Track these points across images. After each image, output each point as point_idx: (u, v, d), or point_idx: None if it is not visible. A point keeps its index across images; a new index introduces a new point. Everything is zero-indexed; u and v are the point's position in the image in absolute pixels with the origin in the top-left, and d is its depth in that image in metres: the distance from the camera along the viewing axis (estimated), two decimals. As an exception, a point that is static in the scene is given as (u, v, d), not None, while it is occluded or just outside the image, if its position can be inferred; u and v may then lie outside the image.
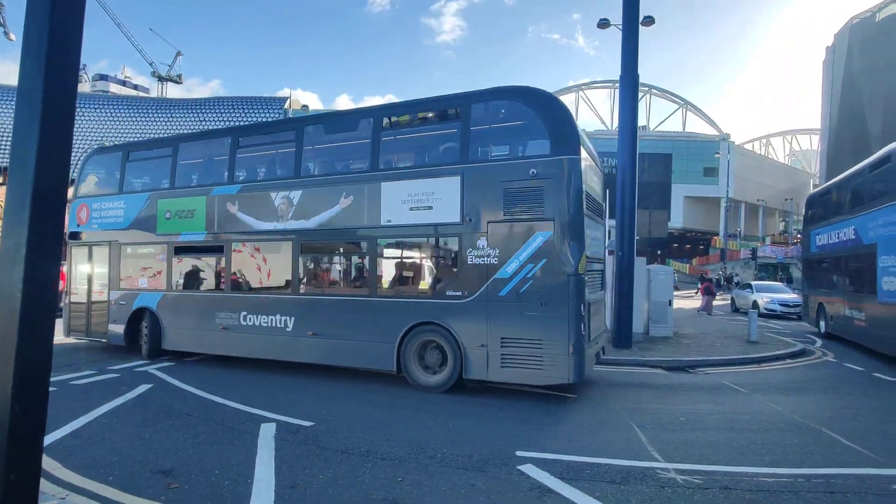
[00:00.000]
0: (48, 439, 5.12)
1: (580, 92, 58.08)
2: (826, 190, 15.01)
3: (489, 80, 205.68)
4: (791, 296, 20.76)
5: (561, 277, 6.52)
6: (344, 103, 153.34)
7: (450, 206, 7.21)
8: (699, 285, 36.52)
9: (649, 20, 13.53)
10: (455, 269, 7.28)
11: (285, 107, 56.14)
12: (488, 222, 6.98)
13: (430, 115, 8.25)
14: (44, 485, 4.01)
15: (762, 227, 59.68)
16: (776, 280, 38.62)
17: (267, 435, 5.35)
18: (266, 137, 9.94)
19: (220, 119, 55.02)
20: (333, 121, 10.02)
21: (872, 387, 8.37)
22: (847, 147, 41.26)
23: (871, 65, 42.47)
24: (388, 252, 7.99)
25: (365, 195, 7.87)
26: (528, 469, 4.49)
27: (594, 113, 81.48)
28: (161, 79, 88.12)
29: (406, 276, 7.88)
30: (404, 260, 7.98)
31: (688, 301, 28.41)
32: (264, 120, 53.91)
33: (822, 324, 13.91)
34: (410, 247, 7.92)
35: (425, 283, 7.72)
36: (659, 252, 51.57)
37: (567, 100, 60.53)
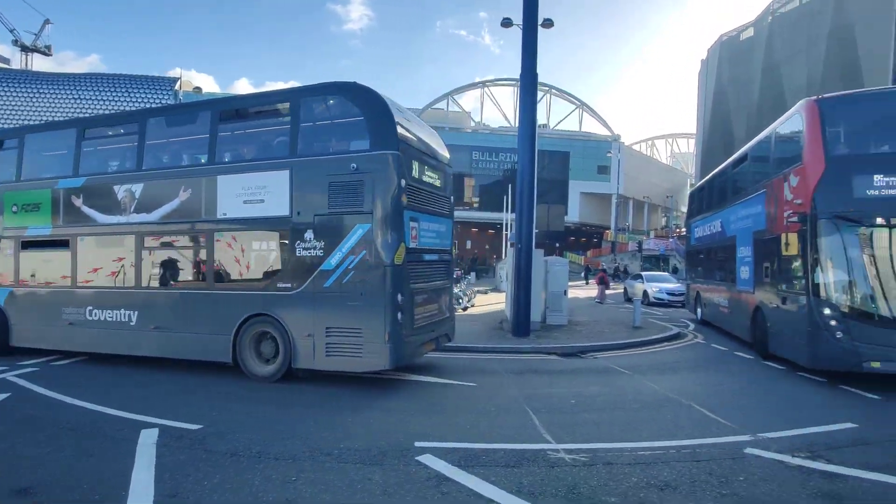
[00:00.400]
0: None
1: (485, 88, 59.58)
2: (702, 186, 16.68)
3: (397, 70, 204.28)
4: (676, 285, 22.25)
5: (378, 268, 6.80)
6: (243, 87, 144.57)
7: (280, 200, 7.36)
8: (587, 276, 39.41)
9: (548, 22, 14.12)
10: (285, 262, 7.44)
11: (175, 88, 51.75)
12: (315, 215, 7.16)
13: (264, 109, 8.51)
14: None
15: (647, 221, 65.23)
16: (658, 270, 42.39)
17: (147, 441, 4.91)
18: (111, 129, 9.95)
19: (100, 99, 49.50)
20: (175, 114, 10.32)
21: (734, 364, 9.44)
22: (717, 151, 46.05)
23: (737, 79, 47.80)
24: (224, 245, 7.95)
25: (203, 189, 7.95)
26: (427, 459, 4.52)
27: (499, 110, 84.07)
28: (25, 49, 77.23)
29: (241, 269, 7.90)
30: (240, 253, 7.93)
31: (582, 291, 30.31)
32: (151, 101, 49.33)
33: (699, 311, 15.43)
34: (245, 240, 7.89)
35: (259, 276, 7.81)
36: (557, 245, 54.46)
37: (472, 96, 62.23)
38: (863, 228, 7.20)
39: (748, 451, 4.84)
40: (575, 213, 55.70)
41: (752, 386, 7.84)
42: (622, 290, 27.24)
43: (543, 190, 49.47)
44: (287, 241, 7.36)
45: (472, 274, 40.38)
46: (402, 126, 7.30)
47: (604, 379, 8.08)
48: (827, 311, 7.27)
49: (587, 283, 36.91)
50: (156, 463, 4.40)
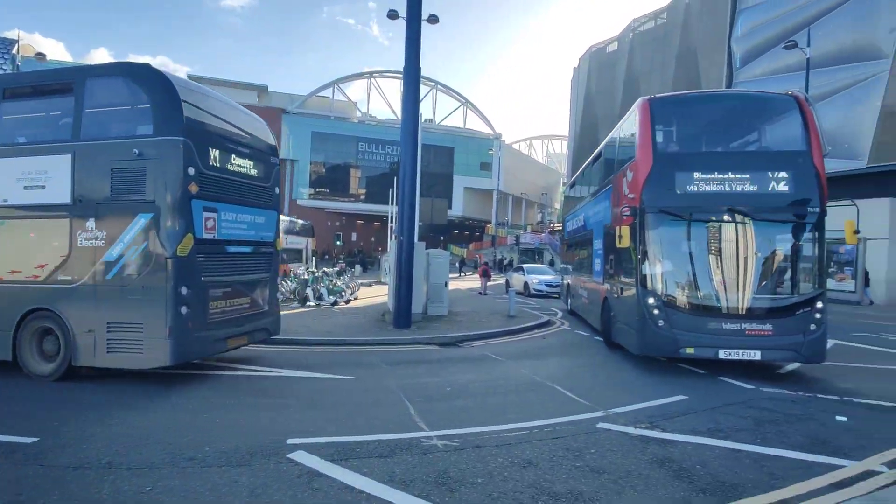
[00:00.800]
0: None
1: (372, 79, 58.73)
2: (572, 182, 18.07)
3: (280, 54, 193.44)
4: (554, 277, 23.30)
5: (160, 260, 6.59)
6: (101, 57, 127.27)
7: (61, 186, 6.92)
8: (461, 267, 40.85)
9: (434, 18, 14.31)
10: (67, 253, 6.95)
11: (14, 51, 44.28)
12: (97, 204, 6.82)
13: (47, 87, 7.81)
14: None
15: (524, 217, 69.23)
16: (534, 263, 45.14)
17: (-41, 463, 4.19)
18: None
19: None
20: None
21: (592, 349, 10.39)
22: (586, 153, 50.11)
23: (603, 88, 52.38)
24: (6, 234, 7.24)
25: None
26: (299, 456, 4.40)
27: (386, 102, 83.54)
28: None
29: (23, 260, 7.21)
30: (21, 243, 7.24)
31: (463, 283, 31.34)
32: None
33: (569, 301, 16.64)
34: (26, 229, 7.24)
35: (40, 268, 7.16)
36: (441, 238, 55.79)
37: (359, 86, 61.18)
38: (683, 222, 7.71)
39: (600, 425, 5.37)
40: (459, 207, 57.33)
41: (605, 367, 8.67)
42: (504, 282, 28.29)
43: (429, 184, 50.35)
44: (68, 231, 6.86)
45: (357, 266, 39.86)
46: (199, 110, 6.99)
47: (479, 366, 8.46)
48: (651, 301, 7.71)
49: (460, 275, 38.13)
50: (-29, 486, 3.77)
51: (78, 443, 4.69)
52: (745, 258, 7.56)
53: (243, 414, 5.68)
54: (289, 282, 18.42)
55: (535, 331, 12.45)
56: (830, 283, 20.86)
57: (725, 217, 7.62)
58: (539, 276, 23.67)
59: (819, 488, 3.95)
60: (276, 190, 8.63)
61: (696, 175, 7.74)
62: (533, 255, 49.63)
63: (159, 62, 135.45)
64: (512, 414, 5.75)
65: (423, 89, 57.21)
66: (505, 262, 45.15)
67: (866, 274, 21.51)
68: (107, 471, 4.09)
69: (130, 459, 4.32)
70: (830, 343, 10.31)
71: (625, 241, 8.02)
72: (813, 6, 29.26)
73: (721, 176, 7.69)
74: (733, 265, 7.56)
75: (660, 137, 8.25)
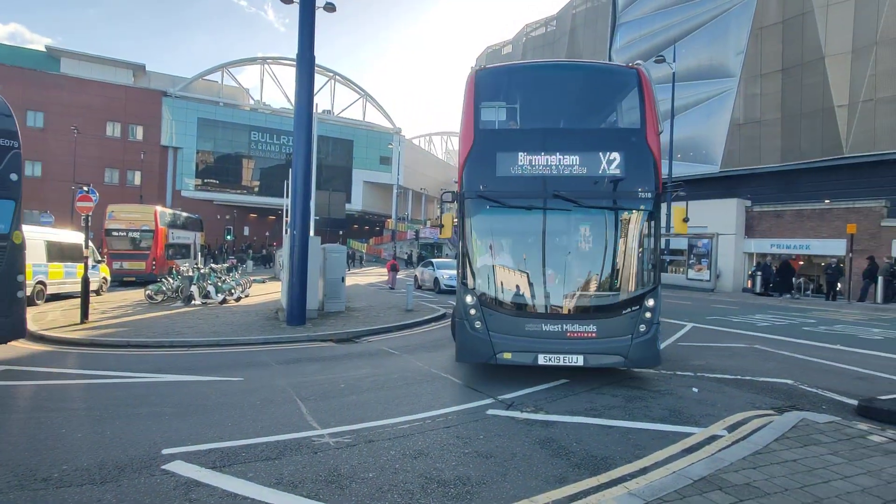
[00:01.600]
0: None
1: (266, 65, 55.71)
2: None
3: (164, 33, 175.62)
4: None
5: None
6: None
7: None
8: (349, 263, 40.19)
9: (330, 6, 13.91)
10: None
11: None
12: None
13: None
14: None
15: (424, 212, 69.89)
16: (433, 257, 45.77)
17: None
18: None
19: None
20: None
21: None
22: (483, 151, 51.91)
23: (499, 88, 54.52)
24: None
25: None
26: (176, 466, 4.11)
27: (281, 91, 79.43)
28: None
29: None
30: None
31: (362, 277, 30.99)
32: None
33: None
34: None
35: None
36: (341, 232, 54.57)
37: (252, 72, 57.80)
38: (504, 210, 6.76)
39: (490, 412, 5.61)
40: (359, 201, 56.45)
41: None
42: (413, 278, 26.69)
43: (328, 177, 49.10)
44: None
45: (249, 262, 37.81)
46: None
47: (375, 361, 8.44)
48: (468, 300, 6.73)
49: (348, 270, 37.66)
50: None
51: None
52: (569, 251, 6.81)
53: (112, 425, 5.16)
54: (171, 279, 17.03)
55: (433, 324, 12.67)
56: (692, 273, 23.54)
57: (549, 204, 6.69)
58: (449, 271, 22.02)
59: (674, 454, 4.45)
60: (14, 176, 7.58)
61: (521, 156, 6.80)
62: (432, 249, 50.32)
63: (11, 30, 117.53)
64: (405, 406, 5.81)
65: (321, 80, 55.56)
66: (413, 258, 45.12)
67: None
68: (-66, 502, 3.53)
69: (-33, 486, 3.76)
70: (688, 326, 11.67)
71: (446, 231, 7.54)
72: (678, 26, 32.67)
73: (547, 157, 6.78)
74: (556, 259, 6.78)
75: (485, 114, 7.18)
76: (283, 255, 22.36)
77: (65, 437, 4.84)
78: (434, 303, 16.98)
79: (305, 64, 11.87)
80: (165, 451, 4.41)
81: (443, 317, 13.63)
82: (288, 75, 74.60)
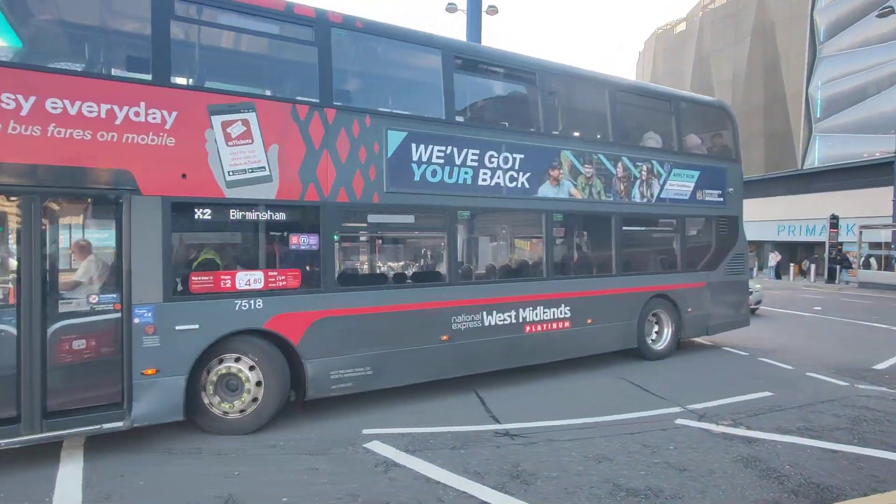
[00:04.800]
0: None
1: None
2: None
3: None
4: None
5: None
6: None
7: None
8: None
9: (493, 9, 14.23)
10: None
11: None
12: None
13: None
14: None
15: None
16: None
17: (74, 444, 4.65)
18: None
19: None
20: None
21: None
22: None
23: (670, 70, 49.92)
24: None
25: None
26: (375, 446, 4.54)
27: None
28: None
29: None
30: None
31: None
32: None
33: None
34: None
35: None
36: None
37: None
38: None
39: (678, 422, 5.17)
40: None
41: (689, 363, 8.16)
42: None
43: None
44: None
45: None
46: None
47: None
48: None
49: None
50: (83, 467, 4.18)
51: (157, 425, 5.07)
52: None
53: (321, 406, 5.88)
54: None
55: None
56: None
57: None
58: None
59: (931, 495, 3.61)
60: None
61: None
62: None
63: None
64: (585, 407, 5.65)
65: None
66: None
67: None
68: (197, 455, 4.40)
69: (219, 445, 4.62)
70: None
71: None
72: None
73: None
74: None
75: None
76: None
77: (281, 415, 5.65)
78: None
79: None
80: (365, 432, 4.90)
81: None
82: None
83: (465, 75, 6.65)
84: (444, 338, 6.00)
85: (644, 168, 7.79)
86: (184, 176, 4.64)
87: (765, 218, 28.82)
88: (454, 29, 19.55)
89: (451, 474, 3.95)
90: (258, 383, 4.90)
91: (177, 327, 4.54)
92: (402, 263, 6.67)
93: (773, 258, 28.25)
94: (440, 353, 5.99)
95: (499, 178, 6.40)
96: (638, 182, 7.73)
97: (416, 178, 5.80)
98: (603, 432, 4.89)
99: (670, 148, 8.31)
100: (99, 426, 4.30)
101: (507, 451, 4.43)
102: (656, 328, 8.23)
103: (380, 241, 6.59)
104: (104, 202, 4.54)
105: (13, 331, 4.06)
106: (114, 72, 5.21)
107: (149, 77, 4.67)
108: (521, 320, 6.59)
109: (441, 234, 6.23)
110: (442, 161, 5.97)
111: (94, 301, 4.43)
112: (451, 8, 14.27)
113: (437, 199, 6.02)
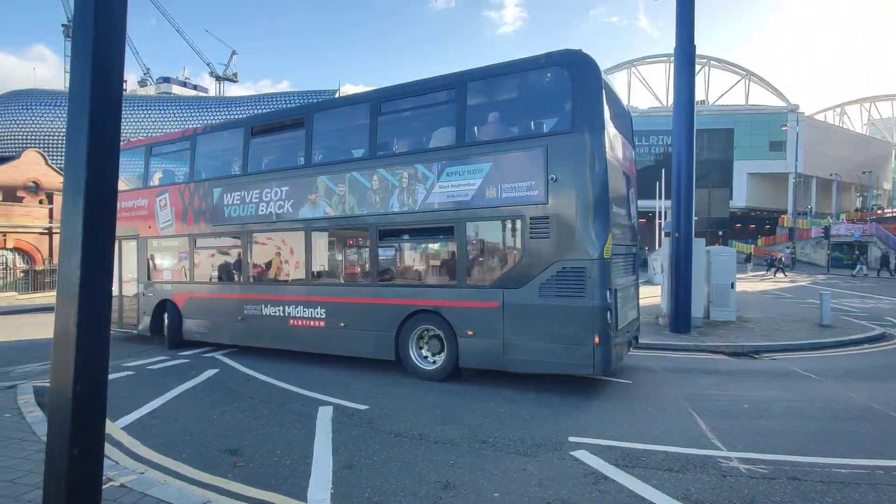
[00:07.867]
0: (130, 418, 5.54)
1: (632, 68, 55.67)
2: None
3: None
4: None
5: None
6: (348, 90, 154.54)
7: None
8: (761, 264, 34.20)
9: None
10: None
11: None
12: None
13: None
14: (125, 460, 4.35)
15: (836, 203, 55.66)
16: (850, 258, 36.30)
17: (325, 417, 5.55)
18: None
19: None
20: None
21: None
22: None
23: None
24: None
25: None
26: (582, 455, 4.43)
27: (648, 90, 77.64)
28: (218, 78, 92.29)
29: None
30: None
31: (750, 284, 26.95)
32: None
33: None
34: None
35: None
36: (721, 233, 49.14)
37: (620, 79, 58.64)
38: None
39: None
40: (742, 196, 49.74)
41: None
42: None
43: (703, 172, 45.01)
44: None
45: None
46: None
47: (784, 383, 7.12)
48: None
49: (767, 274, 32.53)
50: (332, 437, 4.95)
51: (396, 413, 5.71)
52: None
53: (525, 408, 5.98)
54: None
55: (865, 345, 9.85)
56: None
57: None
58: None
59: None
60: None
61: None
62: (850, 249, 39.55)
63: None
64: (839, 446, 4.66)
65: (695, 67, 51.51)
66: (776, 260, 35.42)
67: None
68: (419, 441, 4.85)
69: (436, 434, 5.03)
70: None
71: None
72: None
73: None
74: None
75: None
76: (658, 259, 21.71)
77: (490, 411, 5.88)
78: (863, 318, 13.22)
79: (685, 58, 11.22)
80: (571, 439, 4.82)
81: (881, 338, 10.45)
82: (653, 73, 72.30)
83: (258, 138, 9.24)
84: (240, 318, 9.03)
85: (405, 175, 7.36)
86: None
87: None
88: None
89: (669, 499, 3.63)
90: None
91: None
92: (218, 267, 9.71)
93: None
94: (238, 327, 9.11)
95: (271, 207, 8.68)
96: (397, 191, 7.43)
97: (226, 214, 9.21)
98: (869, 478, 3.95)
99: (449, 143, 7.11)
100: None
101: (737, 483, 3.89)
102: (427, 347, 7.35)
103: (213, 254, 9.79)
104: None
105: None
106: None
107: None
108: (286, 314, 8.53)
109: (239, 248, 9.23)
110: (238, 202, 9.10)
111: None
112: (658, -7, 13.23)
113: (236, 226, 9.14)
